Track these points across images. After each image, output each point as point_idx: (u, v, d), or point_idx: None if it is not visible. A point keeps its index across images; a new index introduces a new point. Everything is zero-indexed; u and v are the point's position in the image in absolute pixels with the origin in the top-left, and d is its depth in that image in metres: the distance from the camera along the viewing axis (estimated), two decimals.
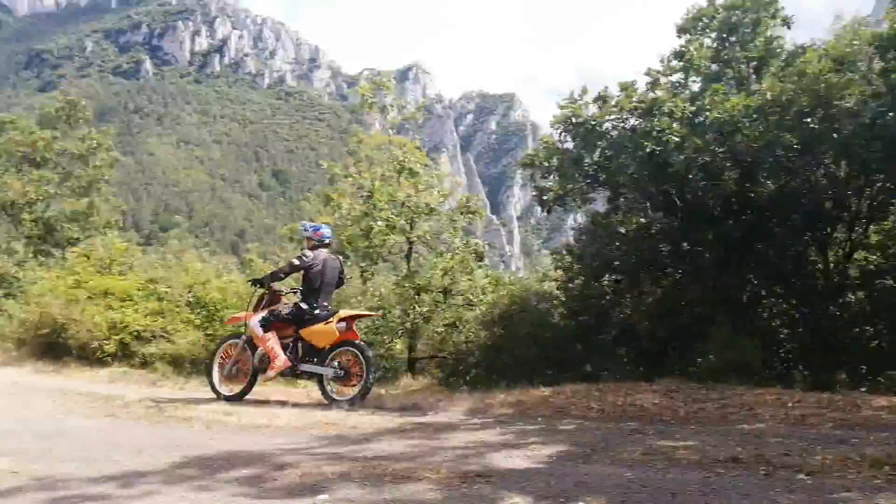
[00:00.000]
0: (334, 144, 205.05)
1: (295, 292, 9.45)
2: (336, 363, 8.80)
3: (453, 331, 13.54)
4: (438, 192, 14.98)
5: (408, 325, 13.64)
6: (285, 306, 9.25)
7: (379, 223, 13.57)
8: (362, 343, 9.06)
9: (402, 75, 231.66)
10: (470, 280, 13.71)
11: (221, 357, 9.49)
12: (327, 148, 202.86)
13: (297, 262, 9.05)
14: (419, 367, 13.70)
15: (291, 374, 9.35)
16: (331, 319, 8.87)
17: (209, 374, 9.58)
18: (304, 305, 8.97)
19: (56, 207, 26.75)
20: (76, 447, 7.14)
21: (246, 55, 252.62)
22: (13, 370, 12.67)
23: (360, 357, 8.70)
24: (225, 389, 9.31)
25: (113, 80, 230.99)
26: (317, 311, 8.94)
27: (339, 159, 16.71)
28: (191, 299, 13.65)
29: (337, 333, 8.77)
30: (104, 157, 28.59)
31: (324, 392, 8.84)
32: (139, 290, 13.86)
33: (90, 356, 12.42)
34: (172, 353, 11.96)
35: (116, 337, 12.47)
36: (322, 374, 8.83)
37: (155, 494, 5.51)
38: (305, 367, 8.99)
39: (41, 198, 25.99)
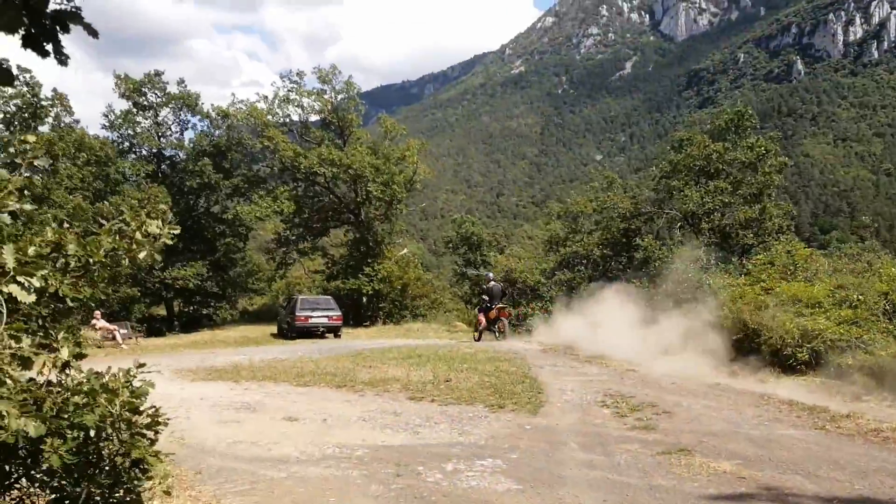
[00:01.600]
0: None
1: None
2: (496, 325, 21.88)
3: None
4: None
5: None
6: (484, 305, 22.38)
7: None
8: (503, 318, 21.82)
9: None
10: None
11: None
12: None
13: (482, 289, 23.02)
14: None
15: (488, 328, 21.98)
16: (493, 308, 21.68)
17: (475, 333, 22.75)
18: (486, 305, 22.09)
19: (730, 215, 27.91)
20: (793, 458, 7.09)
21: None
22: (710, 371, 13.46)
23: (504, 322, 21.85)
24: (476, 337, 22.24)
25: (765, 86, 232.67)
26: (489, 306, 21.86)
27: None
28: (887, 307, 12.55)
29: (495, 313, 21.62)
30: (773, 162, 28.72)
31: (493, 333, 21.86)
32: (828, 296, 13.34)
33: (783, 362, 12.40)
34: (871, 365, 11.08)
35: (809, 345, 12.19)
36: (492, 329, 21.93)
37: None
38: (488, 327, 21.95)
39: (717, 207, 27.46)
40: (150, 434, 3.56)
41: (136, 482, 3.55)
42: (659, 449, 7.49)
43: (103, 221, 3.98)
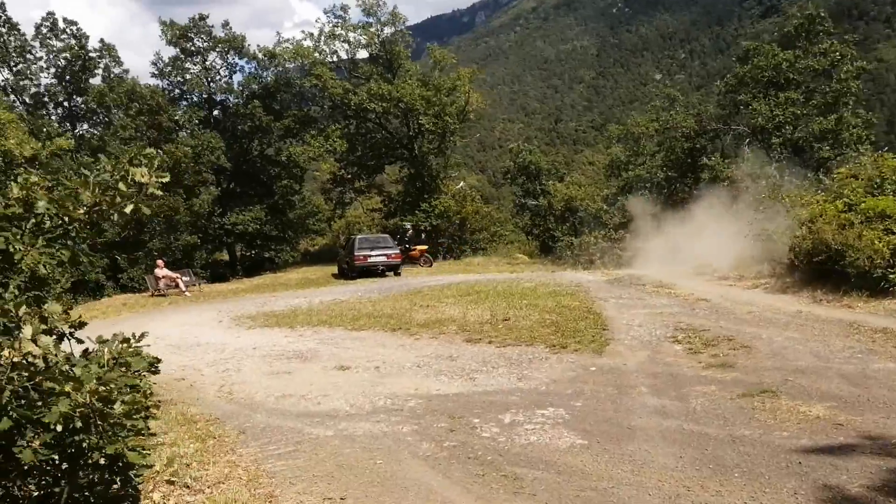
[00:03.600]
0: None
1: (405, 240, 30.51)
2: (420, 259, 29.27)
3: None
4: None
5: None
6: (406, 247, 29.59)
7: None
8: (420, 256, 29.43)
9: None
10: None
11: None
12: None
13: (406, 237, 30.60)
14: None
15: (415, 261, 29.48)
16: (415, 250, 29.67)
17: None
18: (407, 247, 29.44)
19: (803, 128, 26.13)
20: (892, 397, 6.28)
21: None
22: (790, 298, 12.51)
23: (423, 257, 29.69)
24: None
25: None
26: (409, 247, 29.41)
27: None
28: None
29: (416, 252, 29.45)
30: (849, 68, 26.62)
31: (418, 265, 29.19)
32: None
33: (871, 285, 11.35)
34: None
35: None
36: (418, 262, 29.11)
37: None
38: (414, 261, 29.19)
39: (788, 119, 25.70)
40: (136, 422, 3.00)
41: (122, 478, 3.03)
42: (739, 391, 6.77)
43: (87, 172, 3.44)
